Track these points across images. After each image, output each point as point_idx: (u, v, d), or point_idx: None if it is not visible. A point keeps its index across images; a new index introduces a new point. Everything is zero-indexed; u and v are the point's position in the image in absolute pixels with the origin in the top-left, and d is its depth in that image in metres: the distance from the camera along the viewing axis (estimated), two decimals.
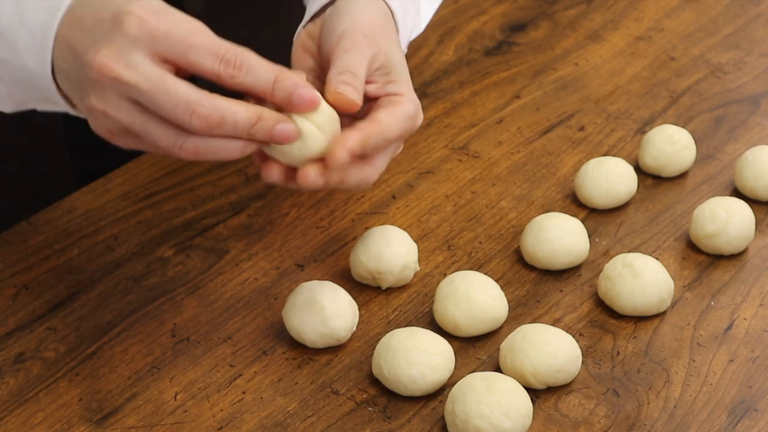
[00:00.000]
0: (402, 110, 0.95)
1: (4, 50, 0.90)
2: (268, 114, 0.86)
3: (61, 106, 0.91)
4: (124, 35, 0.83)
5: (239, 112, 0.84)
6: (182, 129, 0.84)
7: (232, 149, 0.86)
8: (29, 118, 1.12)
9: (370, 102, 0.97)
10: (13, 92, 0.96)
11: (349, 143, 0.90)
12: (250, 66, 0.85)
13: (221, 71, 0.84)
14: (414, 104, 0.97)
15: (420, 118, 0.98)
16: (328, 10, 1.00)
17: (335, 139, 0.90)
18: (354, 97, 0.92)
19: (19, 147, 1.24)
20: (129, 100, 0.84)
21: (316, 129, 0.88)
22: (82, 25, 0.86)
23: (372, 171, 0.94)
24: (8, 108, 0.97)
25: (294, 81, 0.86)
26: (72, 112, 0.92)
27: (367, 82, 0.97)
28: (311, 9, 1.04)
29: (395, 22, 1.04)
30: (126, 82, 0.83)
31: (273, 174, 0.90)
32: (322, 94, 0.90)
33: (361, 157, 0.92)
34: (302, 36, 1.03)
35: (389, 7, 1.03)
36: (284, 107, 0.86)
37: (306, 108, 0.86)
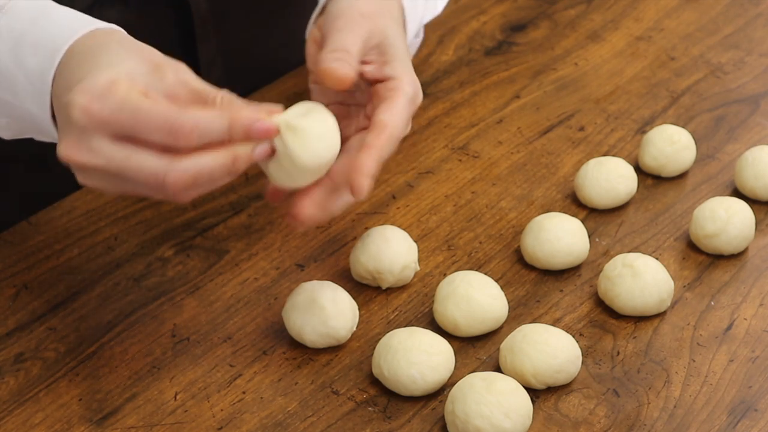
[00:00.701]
0: (400, 100, 0.95)
1: (4, 92, 0.91)
2: (240, 151, 0.85)
3: (49, 137, 0.93)
4: (76, 125, 0.83)
5: (210, 161, 0.84)
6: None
7: (219, 183, 0.86)
8: None
9: (369, 86, 0.97)
10: (12, 124, 0.97)
11: (366, 168, 0.91)
12: (199, 127, 0.83)
13: (173, 144, 0.83)
14: (412, 86, 0.96)
15: (420, 96, 0.98)
16: None
17: (336, 158, 0.91)
18: (346, 70, 0.91)
19: (23, 150, 1.24)
20: (102, 175, 0.85)
21: (297, 148, 0.88)
22: (66, 92, 0.85)
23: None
24: (7, 136, 0.99)
25: (248, 117, 0.85)
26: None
27: (364, 62, 0.97)
28: (321, 2, 1.04)
29: (402, 5, 1.04)
30: (92, 167, 0.84)
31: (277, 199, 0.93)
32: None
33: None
34: (313, 30, 1.03)
35: None
36: (247, 142, 0.85)
37: (266, 136, 0.85)
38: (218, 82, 1.25)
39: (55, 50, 0.87)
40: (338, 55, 0.93)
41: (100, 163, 0.84)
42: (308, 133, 0.88)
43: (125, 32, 0.91)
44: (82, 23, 0.90)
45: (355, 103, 1.01)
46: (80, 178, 0.87)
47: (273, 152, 0.87)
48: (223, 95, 0.86)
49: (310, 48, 1.02)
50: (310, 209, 0.93)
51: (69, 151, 0.84)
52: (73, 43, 0.87)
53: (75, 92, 0.82)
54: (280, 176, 0.90)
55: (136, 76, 0.84)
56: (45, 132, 0.93)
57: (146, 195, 0.86)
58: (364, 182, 0.90)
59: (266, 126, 0.85)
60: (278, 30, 1.32)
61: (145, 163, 0.83)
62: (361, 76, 0.97)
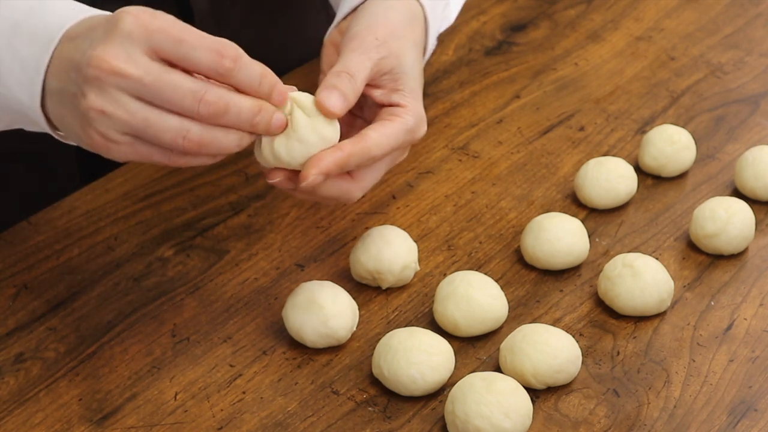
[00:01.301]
0: (397, 126, 0.95)
1: None
2: (267, 105, 0.88)
3: (48, 131, 0.92)
4: (121, 31, 0.84)
5: (243, 101, 0.87)
6: (185, 119, 0.85)
7: (231, 140, 0.88)
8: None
9: (376, 108, 0.97)
10: (2, 116, 0.96)
11: (323, 164, 0.91)
12: (242, 60, 0.86)
13: (218, 65, 0.85)
14: (415, 117, 0.97)
15: (421, 130, 0.98)
16: (358, 9, 1.00)
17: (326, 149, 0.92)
18: (336, 104, 0.92)
19: (23, 150, 1.24)
20: (130, 95, 0.84)
21: (308, 132, 0.91)
22: (76, 39, 0.86)
23: (354, 187, 0.95)
24: None
25: (275, 77, 0.89)
26: (57, 137, 0.93)
27: (374, 86, 0.97)
28: (343, 9, 1.04)
29: (425, 19, 1.04)
30: (128, 75, 0.83)
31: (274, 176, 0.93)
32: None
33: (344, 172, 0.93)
34: (334, 33, 1.03)
35: (421, 4, 1.02)
36: (265, 99, 0.89)
37: (278, 103, 0.89)
38: None
39: (50, 39, 0.88)
40: (339, 80, 0.94)
41: (137, 73, 0.83)
42: (316, 112, 0.92)
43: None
44: (78, 11, 0.90)
45: (361, 116, 1.02)
46: (89, 132, 0.86)
47: (283, 127, 0.91)
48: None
49: (326, 48, 1.03)
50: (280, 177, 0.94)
51: (106, 54, 0.83)
52: (68, 29, 0.88)
53: (126, 8, 0.84)
54: (282, 152, 0.91)
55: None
56: (34, 122, 0.92)
57: (161, 132, 0.85)
58: (311, 173, 0.91)
59: (286, 90, 0.89)
60: (279, 29, 1.32)
61: (183, 79, 0.84)
62: (371, 99, 0.98)
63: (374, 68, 0.96)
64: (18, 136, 1.22)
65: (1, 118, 0.96)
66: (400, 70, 0.98)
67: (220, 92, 0.85)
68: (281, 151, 0.91)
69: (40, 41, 0.88)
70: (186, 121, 0.85)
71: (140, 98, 0.84)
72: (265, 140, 0.91)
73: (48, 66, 0.88)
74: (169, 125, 0.85)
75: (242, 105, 0.86)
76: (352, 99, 0.93)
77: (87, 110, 0.85)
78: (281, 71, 1.32)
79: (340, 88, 0.93)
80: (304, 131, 0.91)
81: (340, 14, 1.05)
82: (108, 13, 0.89)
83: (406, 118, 0.96)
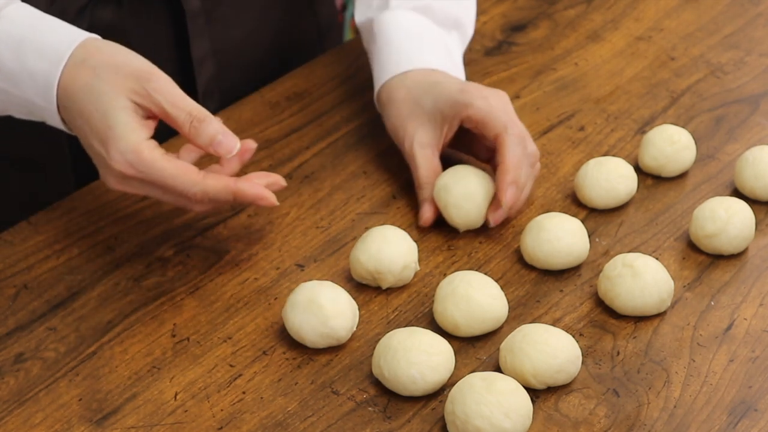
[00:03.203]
0: (507, 142, 1.10)
1: (5, 83, 1.02)
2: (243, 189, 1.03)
3: (56, 125, 1.04)
4: (117, 176, 1.01)
5: (219, 186, 1.02)
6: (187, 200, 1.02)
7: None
8: (34, 129, 1.13)
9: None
10: (10, 108, 1.05)
11: (497, 216, 1.10)
12: (208, 196, 1.02)
13: (187, 205, 1.03)
14: (515, 130, 1.11)
15: (527, 140, 1.12)
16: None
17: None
18: (427, 218, 1.14)
19: (21, 155, 1.24)
20: (142, 183, 1.01)
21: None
22: (83, 75, 1.00)
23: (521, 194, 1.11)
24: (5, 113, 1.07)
25: (251, 194, 1.03)
26: (65, 129, 1.05)
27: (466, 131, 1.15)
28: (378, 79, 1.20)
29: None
30: (134, 194, 1.04)
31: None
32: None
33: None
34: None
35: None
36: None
37: (268, 204, 1.03)
38: (210, 79, 1.26)
39: (59, 58, 1.00)
40: (424, 195, 1.13)
41: (139, 192, 1.02)
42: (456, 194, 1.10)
43: (111, 45, 1.02)
44: (78, 33, 1.02)
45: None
46: (122, 186, 1.02)
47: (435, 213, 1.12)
48: (192, 118, 1.00)
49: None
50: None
51: (115, 186, 1.01)
52: (73, 52, 1.00)
53: (110, 158, 0.99)
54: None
55: (134, 120, 0.99)
56: (47, 119, 1.04)
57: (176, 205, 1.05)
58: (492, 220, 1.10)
59: (269, 200, 1.03)
60: (269, 28, 1.32)
61: (171, 200, 1.02)
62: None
63: (440, 132, 1.15)
64: (13, 140, 1.22)
65: (19, 111, 1.06)
66: (476, 118, 1.12)
67: (200, 208, 1.03)
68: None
69: (49, 58, 1.01)
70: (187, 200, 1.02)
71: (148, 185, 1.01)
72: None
73: (59, 82, 1.00)
74: (175, 201, 1.02)
75: (217, 188, 1.01)
76: (432, 210, 1.14)
77: (107, 180, 1.02)
78: (270, 70, 1.32)
79: (426, 203, 1.14)
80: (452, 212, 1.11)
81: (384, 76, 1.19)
82: (96, 37, 1.03)
83: (510, 138, 1.10)
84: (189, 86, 1.26)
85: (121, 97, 0.99)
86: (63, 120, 1.03)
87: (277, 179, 1.06)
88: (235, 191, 1.01)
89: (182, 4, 1.21)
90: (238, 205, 1.10)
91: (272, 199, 1.03)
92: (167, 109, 1.00)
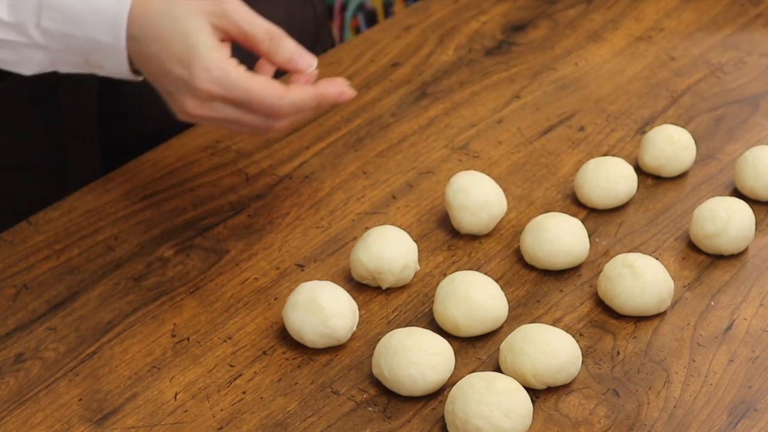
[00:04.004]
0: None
1: (67, 25, 0.99)
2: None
3: (121, 73, 1.02)
4: (200, 96, 0.99)
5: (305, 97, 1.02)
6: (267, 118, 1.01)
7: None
8: (34, 133, 1.13)
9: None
10: (51, 57, 1.02)
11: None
12: (295, 106, 1.01)
13: (273, 119, 1.02)
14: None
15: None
16: None
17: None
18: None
19: (21, 154, 1.24)
20: (223, 103, 1.00)
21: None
22: (157, 41, 0.99)
23: None
24: (30, 71, 1.04)
25: (333, 93, 1.04)
26: (128, 76, 1.03)
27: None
28: None
29: None
30: (213, 119, 1.01)
31: None
32: None
33: None
34: None
35: None
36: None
37: (346, 100, 1.05)
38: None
39: None
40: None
41: (220, 116, 1.00)
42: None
43: None
44: None
45: None
46: (181, 116, 1.02)
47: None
48: (271, 36, 1.01)
49: None
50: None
51: (194, 111, 1.00)
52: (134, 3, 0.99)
53: (195, 77, 0.98)
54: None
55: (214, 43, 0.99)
56: (106, 64, 1.02)
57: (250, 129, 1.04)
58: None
59: (349, 94, 1.04)
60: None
61: (253, 121, 1.01)
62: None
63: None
64: (12, 144, 1.22)
65: (70, 61, 1.03)
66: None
67: (282, 123, 1.02)
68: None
69: None
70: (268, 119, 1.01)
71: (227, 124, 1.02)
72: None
73: (128, 17, 0.98)
74: (256, 122, 1.01)
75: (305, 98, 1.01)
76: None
77: (186, 107, 1.00)
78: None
79: None
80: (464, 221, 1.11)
81: None
82: None
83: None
84: None
85: (199, 18, 0.98)
86: (130, 57, 1.01)
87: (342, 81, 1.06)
88: (319, 95, 1.02)
89: None
90: (318, 114, 1.08)
91: (351, 92, 1.04)
92: (245, 28, 0.99)
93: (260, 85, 0.99)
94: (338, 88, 1.04)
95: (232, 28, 0.99)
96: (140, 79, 1.03)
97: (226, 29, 0.99)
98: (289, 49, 1.02)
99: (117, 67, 1.02)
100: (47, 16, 1.00)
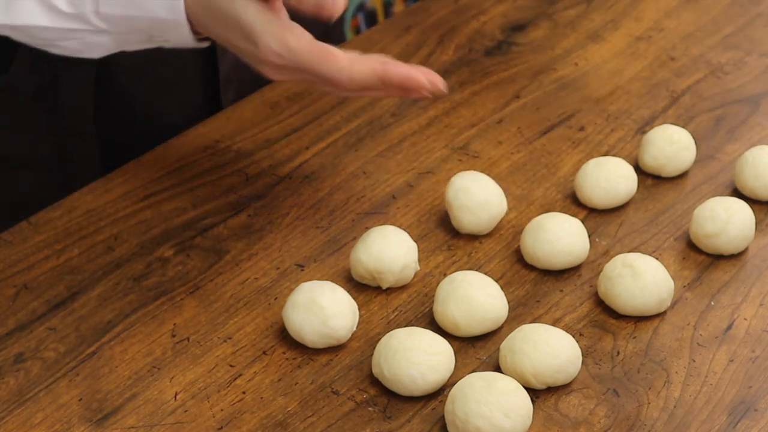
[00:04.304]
0: None
1: (125, 8, 1.01)
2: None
3: (188, 43, 1.03)
4: (272, 63, 1.00)
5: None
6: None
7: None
8: (34, 131, 1.13)
9: None
10: (117, 39, 1.03)
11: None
12: (356, 82, 1.00)
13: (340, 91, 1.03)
14: None
15: None
16: None
17: None
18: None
19: (21, 151, 1.24)
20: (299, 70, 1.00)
21: None
22: (217, 24, 1.00)
23: None
24: (98, 55, 1.06)
25: (398, 74, 1.00)
26: (196, 45, 1.04)
27: None
28: None
29: None
30: (287, 78, 1.02)
31: None
32: None
33: None
34: None
35: None
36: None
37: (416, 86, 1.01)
38: (231, 68, 1.25)
39: None
40: None
41: (296, 78, 1.01)
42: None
43: None
44: None
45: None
46: (278, 75, 1.03)
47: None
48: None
49: None
50: None
51: (273, 76, 1.01)
52: None
53: (261, 51, 0.98)
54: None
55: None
56: (172, 38, 1.03)
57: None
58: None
59: (418, 81, 1.00)
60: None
61: (325, 84, 1.01)
62: None
63: None
64: (13, 140, 1.22)
65: (137, 40, 1.05)
66: None
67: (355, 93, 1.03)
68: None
69: None
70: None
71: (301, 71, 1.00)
72: None
73: None
74: (327, 86, 1.02)
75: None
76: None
77: (264, 72, 1.01)
78: None
79: None
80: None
81: None
82: None
83: None
84: (211, 74, 1.26)
85: None
86: (194, 28, 1.02)
87: (433, 77, 1.02)
88: (383, 74, 0.99)
89: None
90: (389, 93, 1.04)
91: (422, 80, 1.00)
92: None
93: (319, 58, 0.99)
94: (406, 72, 1.00)
95: None
96: (207, 45, 1.05)
97: None
98: None
99: (182, 40, 1.03)
100: (104, 3, 1.01)
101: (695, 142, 1.19)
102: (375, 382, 0.98)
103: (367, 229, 1.10)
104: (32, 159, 1.24)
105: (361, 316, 1.03)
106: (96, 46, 1.05)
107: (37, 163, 1.25)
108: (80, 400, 0.97)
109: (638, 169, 1.18)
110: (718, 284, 1.06)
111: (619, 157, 1.18)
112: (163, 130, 1.22)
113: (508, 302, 1.03)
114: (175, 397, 0.97)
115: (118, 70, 1.20)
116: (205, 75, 1.22)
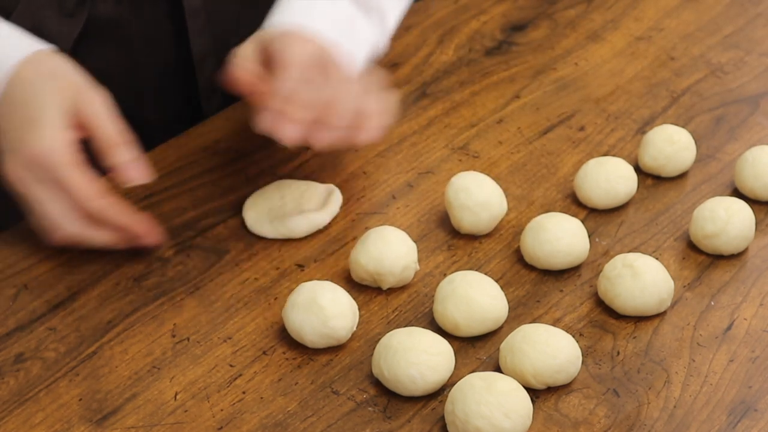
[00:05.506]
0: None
1: None
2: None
3: None
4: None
5: (98, 239, 1.06)
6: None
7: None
8: None
9: None
10: None
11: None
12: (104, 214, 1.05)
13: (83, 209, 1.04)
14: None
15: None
16: None
17: None
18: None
19: None
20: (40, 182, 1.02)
21: None
22: (23, 87, 1.04)
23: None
24: None
25: (137, 230, 1.07)
26: None
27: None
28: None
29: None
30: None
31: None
32: None
33: None
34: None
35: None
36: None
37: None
38: (212, 76, 1.26)
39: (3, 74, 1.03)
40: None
41: (23, 191, 1.03)
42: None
43: (57, 57, 1.06)
44: (23, 47, 1.05)
45: None
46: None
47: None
48: (121, 135, 1.04)
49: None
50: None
51: (10, 174, 1.03)
52: (15, 67, 1.03)
53: (29, 141, 1.01)
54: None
55: (62, 128, 1.02)
56: None
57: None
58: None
59: (150, 243, 1.08)
60: None
61: (55, 208, 1.03)
62: None
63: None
64: None
65: None
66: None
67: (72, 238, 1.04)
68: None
69: None
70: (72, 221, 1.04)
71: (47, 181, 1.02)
72: None
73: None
74: (57, 210, 1.03)
75: (100, 242, 1.06)
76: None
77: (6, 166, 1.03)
78: None
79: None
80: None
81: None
82: (44, 48, 1.05)
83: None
84: (190, 85, 1.26)
85: (57, 96, 1.02)
86: None
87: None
88: (130, 222, 1.05)
89: (182, 1, 1.21)
90: (119, 245, 1.08)
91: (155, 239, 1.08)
92: (100, 119, 1.03)
93: (82, 174, 1.02)
94: (145, 227, 1.06)
95: (89, 120, 1.03)
96: None
97: (82, 119, 1.03)
98: (130, 154, 1.04)
99: None
100: None
101: (695, 142, 1.19)
102: (375, 382, 0.98)
103: (367, 229, 1.10)
104: None
105: (361, 316, 1.03)
106: None
107: None
108: (80, 400, 0.97)
109: (638, 169, 1.18)
110: (718, 284, 1.07)
111: (619, 157, 1.18)
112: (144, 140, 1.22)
113: (508, 302, 1.03)
114: (175, 397, 0.97)
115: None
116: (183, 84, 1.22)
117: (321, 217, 1.12)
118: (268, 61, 1.09)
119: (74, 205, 1.02)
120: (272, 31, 1.11)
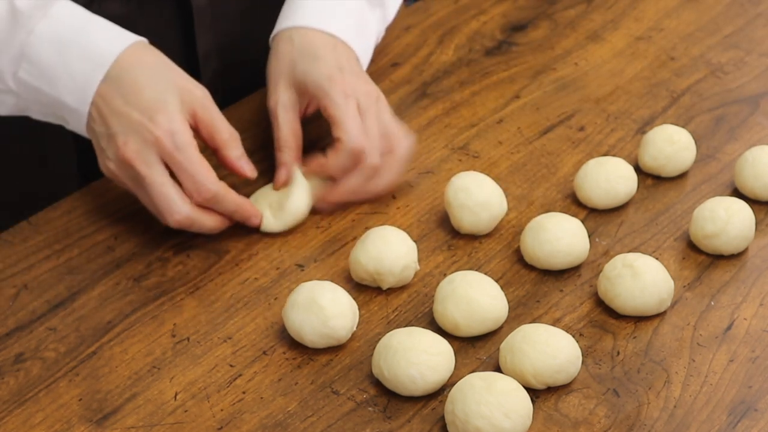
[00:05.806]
0: (338, 154, 1.12)
1: (40, 81, 1.06)
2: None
3: (74, 129, 1.09)
4: (142, 138, 1.04)
5: (209, 224, 1.09)
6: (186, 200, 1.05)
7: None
8: (36, 125, 1.13)
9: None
10: (20, 103, 1.08)
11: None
12: (217, 198, 1.07)
13: (194, 194, 1.07)
14: (354, 142, 1.11)
15: (366, 154, 1.12)
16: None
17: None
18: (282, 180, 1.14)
19: (21, 149, 1.24)
20: (136, 178, 1.05)
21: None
22: (126, 75, 1.05)
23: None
24: (3, 112, 1.10)
25: (248, 213, 1.10)
26: (81, 132, 1.09)
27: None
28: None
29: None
30: (137, 171, 1.05)
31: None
32: None
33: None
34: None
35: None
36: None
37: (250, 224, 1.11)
38: (215, 75, 1.26)
39: (102, 62, 1.05)
40: (283, 157, 1.15)
41: (143, 171, 1.04)
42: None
43: (155, 50, 1.08)
44: (123, 39, 1.07)
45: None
46: (107, 168, 1.07)
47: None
48: (233, 132, 1.10)
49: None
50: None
51: (128, 153, 1.04)
52: (117, 57, 1.05)
53: (154, 122, 1.03)
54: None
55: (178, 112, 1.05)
56: (70, 121, 1.08)
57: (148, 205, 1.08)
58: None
59: (256, 224, 1.11)
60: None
61: (168, 192, 1.05)
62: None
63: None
64: (26, 140, 1.22)
65: (38, 111, 1.10)
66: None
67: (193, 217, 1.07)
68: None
69: (92, 60, 1.05)
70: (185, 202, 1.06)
71: (139, 186, 1.05)
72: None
73: (100, 85, 1.04)
74: (166, 195, 1.05)
75: (210, 226, 1.08)
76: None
77: (109, 163, 1.06)
78: None
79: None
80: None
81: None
82: (141, 39, 1.08)
83: (342, 148, 1.11)
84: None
85: (177, 90, 1.05)
86: (87, 121, 1.06)
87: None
88: (238, 208, 1.08)
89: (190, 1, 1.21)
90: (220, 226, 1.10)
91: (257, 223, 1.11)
92: (214, 118, 1.07)
93: (202, 161, 1.04)
94: (250, 210, 1.10)
95: (203, 114, 1.07)
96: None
97: (196, 112, 1.06)
98: (242, 150, 1.09)
99: (78, 127, 1.08)
100: (25, 69, 1.06)
101: (695, 142, 1.19)
102: (375, 382, 0.98)
103: (367, 229, 1.10)
104: (39, 155, 1.25)
105: (361, 316, 1.03)
106: (2, 103, 1.09)
107: (45, 160, 1.25)
108: (80, 400, 0.97)
109: (638, 169, 1.18)
110: (718, 284, 1.07)
111: (619, 157, 1.18)
112: None
113: (508, 302, 1.03)
114: (175, 397, 0.97)
115: None
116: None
117: (314, 184, 1.14)
118: (307, 101, 1.15)
119: (193, 187, 1.04)
120: (296, 55, 1.14)
